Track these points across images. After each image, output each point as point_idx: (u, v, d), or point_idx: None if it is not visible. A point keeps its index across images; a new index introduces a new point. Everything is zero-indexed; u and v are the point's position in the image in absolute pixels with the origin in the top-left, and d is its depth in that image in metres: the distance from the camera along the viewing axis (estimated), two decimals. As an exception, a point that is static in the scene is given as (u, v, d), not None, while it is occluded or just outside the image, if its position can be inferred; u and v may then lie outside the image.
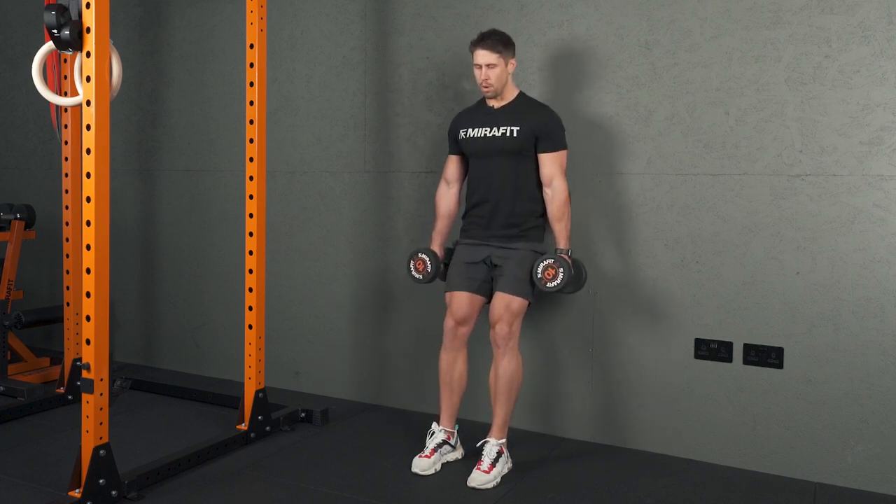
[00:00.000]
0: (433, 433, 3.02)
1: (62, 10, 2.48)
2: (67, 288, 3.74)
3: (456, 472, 2.93)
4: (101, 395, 2.53)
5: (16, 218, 4.14)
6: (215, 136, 4.21)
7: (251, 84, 3.18)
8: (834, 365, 2.86)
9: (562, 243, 2.91)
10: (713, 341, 3.06)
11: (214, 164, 4.22)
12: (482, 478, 2.80)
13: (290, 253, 4.01)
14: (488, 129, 2.94)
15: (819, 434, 2.89)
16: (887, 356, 2.78)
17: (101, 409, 2.53)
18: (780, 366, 2.94)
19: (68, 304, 3.75)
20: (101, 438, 2.53)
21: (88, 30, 2.46)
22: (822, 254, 2.87)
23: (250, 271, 3.22)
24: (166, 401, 3.85)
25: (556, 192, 2.90)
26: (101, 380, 2.53)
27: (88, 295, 2.50)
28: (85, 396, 2.52)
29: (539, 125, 2.89)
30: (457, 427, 3.08)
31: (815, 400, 2.89)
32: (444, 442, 3.01)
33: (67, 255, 3.72)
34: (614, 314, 3.24)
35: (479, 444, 2.94)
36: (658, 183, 3.13)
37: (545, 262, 2.84)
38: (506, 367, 2.89)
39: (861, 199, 2.80)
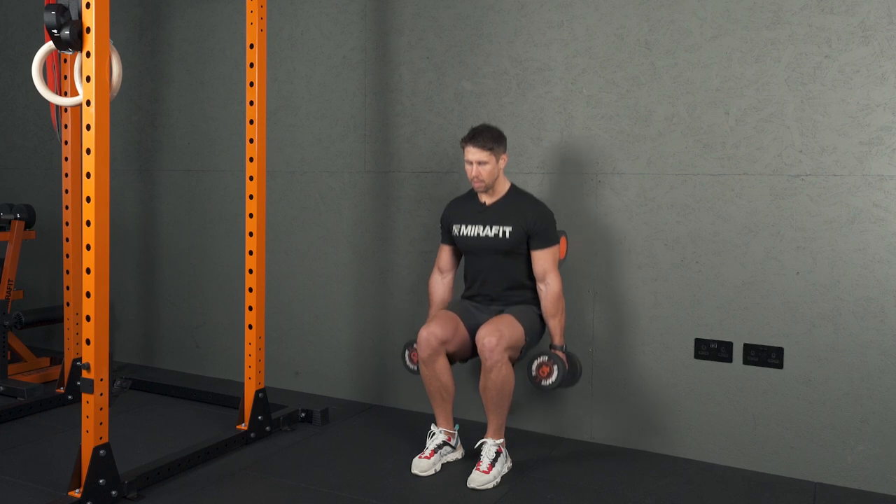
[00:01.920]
0: (433, 434, 3.02)
1: (62, 10, 2.48)
2: (67, 288, 3.74)
3: (456, 472, 2.93)
4: (101, 395, 2.53)
5: (16, 218, 4.14)
6: (215, 136, 4.21)
7: (251, 84, 3.18)
8: (834, 365, 2.86)
9: (556, 339, 2.94)
10: (713, 341, 3.06)
11: (214, 164, 4.22)
12: (482, 478, 2.80)
13: (290, 253, 4.01)
14: (481, 229, 2.98)
15: (819, 434, 2.89)
16: (887, 356, 2.78)
17: (101, 409, 2.53)
18: (780, 366, 2.94)
19: (68, 304, 3.75)
20: (101, 438, 2.53)
21: (88, 30, 2.46)
22: (822, 254, 2.87)
23: (250, 271, 3.22)
24: (166, 401, 3.85)
25: (549, 287, 2.93)
26: (101, 380, 2.53)
27: (88, 295, 2.50)
28: (85, 396, 2.52)
29: (530, 223, 2.93)
30: (457, 427, 3.08)
31: (815, 400, 2.89)
32: (445, 443, 3.01)
33: (67, 255, 3.72)
34: (614, 314, 3.24)
35: (476, 445, 2.94)
36: (658, 183, 3.13)
37: (540, 360, 2.88)
38: (494, 379, 2.79)
39: (861, 199, 2.80)
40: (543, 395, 3.39)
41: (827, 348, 2.87)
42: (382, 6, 3.70)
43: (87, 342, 2.51)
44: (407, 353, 3.14)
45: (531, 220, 2.93)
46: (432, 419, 3.10)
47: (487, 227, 2.97)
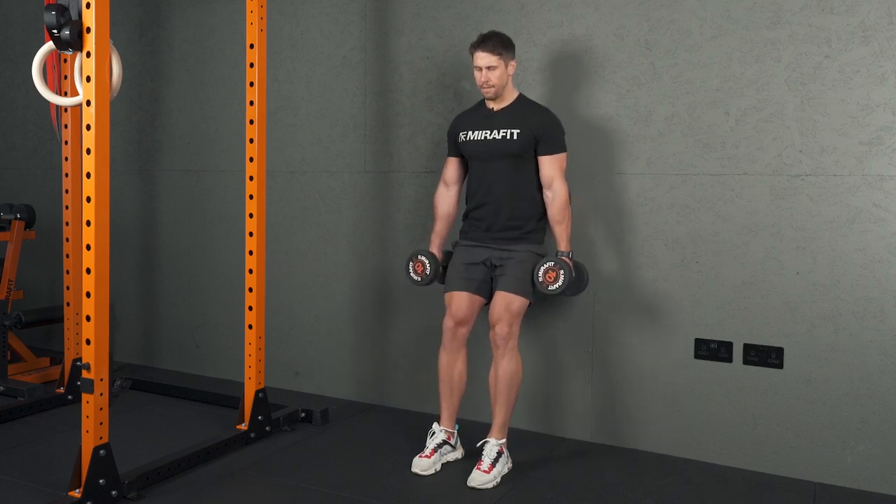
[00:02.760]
0: (433, 433, 3.02)
1: (62, 10, 2.48)
2: (67, 288, 3.74)
3: (456, 472, 2.93)
4: (101, 395, 2.53)
5: (16, 218, 4.14)
6: (215, 136, 4.21)
7: (251, 84, 3.18)
8: (834, 365, 2.86)
9: (562, 245, 2.91)
10: (713, 341, 3.06)
11: (214, 164, 4.22)
12: (482, 478, 2.80)
13: (290, 253, 4.01)
14: (488, 132, 2.94)
15: (819, 434, 2.89)
16: (887, 356, 2.78)
17: (101, 409, 2.53)
18: (780, 366, 2.94)
19: (68, 304, 3.75)
20: (101, 438, 2.53)
21: (88, 30, 2.46)
22: (822, 254, 2.87)
23: (250, 271, 3.22)
24: (166, 401, 3.85)
25: (556, 194, 2.90)
26: (101, 380, 2.53)
27: (88, 295, 2.50)
28: (85, 396, 2.52)
29: (539, 127, 2.89)
30: (457, 427, 3.08)
31: (815, 400, 2.89)
32: (445, 442, 3.01)
33: (67, 255, 3.72)
34: (614, 314, 3.24)
35: (479, 444, 2.94)
36: (658, 183, 3.13)
37: (546, 265, 2.84)
38: (505, 367, 2.88)
39: (861, 199, 2.80)
40: (544, 394, 3.39)
41: (827, 348, 2.87)
42: (382, 6, 3.70)
43: (87, 342, 2.51)
44: (411, 264, 3.11)
45: (540, 124, 2.90)
46: (432, 419, 3.10)
47: (495, 131, 2.93)
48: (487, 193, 2.96)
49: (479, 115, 3.01)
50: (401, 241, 3.71)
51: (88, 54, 2.47)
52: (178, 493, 2.72)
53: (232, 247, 4.08)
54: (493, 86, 2.89)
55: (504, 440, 2.92)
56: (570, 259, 2.90)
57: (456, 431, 3.07)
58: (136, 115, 4.46)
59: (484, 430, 2.98)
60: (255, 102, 3.17)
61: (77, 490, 2.53)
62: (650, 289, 3.16)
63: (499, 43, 2.88)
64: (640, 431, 3.21)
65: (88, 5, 2.45)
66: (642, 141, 3.15)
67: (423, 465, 2.92)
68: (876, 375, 2.80)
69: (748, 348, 3.00)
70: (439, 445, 2.99)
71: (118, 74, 2.71)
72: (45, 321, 4.25)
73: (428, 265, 3.07)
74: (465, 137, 3.00)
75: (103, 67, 2.49)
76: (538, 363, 3.39)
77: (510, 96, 2.97)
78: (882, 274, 2.78)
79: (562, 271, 2.81)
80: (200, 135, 4.26)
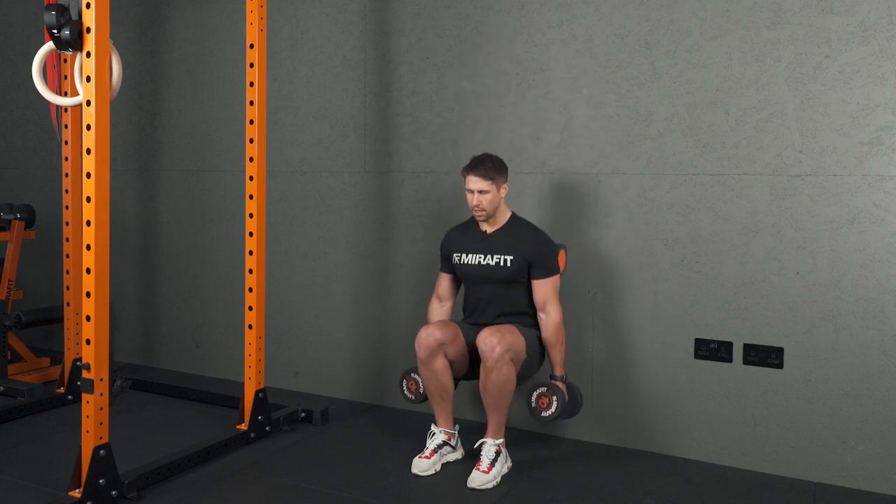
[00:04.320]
0: (433, 434, 3.02)
1: (62, 10, 2.48)
2: (67, 288, 3.74)
3: (456, 472, 2.93)
4: (101, 395, 2.53)
5: (16, 218, 4.14)
6: (215, 136, 4.21)
7: (251, 84, 3.18)
8: (834, 365, 2.86)
9: (557, 370, 2.93)
10: (713, 341, 3.06)
11: (214, 164, 4.22)
12: (482, 478, 2.80)
13: (290, 253, 4.01)
14: (482, 257, 2.97)
15: (819, 434, 2.89)
16: (887, 356, 2.78)
17: (101, 409, 2.53)
18: (780, 366, 2.94)
19: (68, 304, 3.75)
20: (101, 438, 2.53)
21: (88, 30, 2.46)
22: (822, 254, 2.87)
23: (250, 271, 3.22)
24: (166, 401, 3.85)
25: (550, 316, 2.93)
26: (101, 380, 2.53)
27: (88, 295, 2.50)
28: (85, 396, 2.52)
29: (532, 253, 2.93)
30: (457, 427, 3.08)
31: (815, 400, 2.89)
32: (445, 443, 3.00)
33: (67, 255, 3.72)
34: (614, 314, 3.24)
35: (476, 445, 2.94)
36: (658, 183, 3.13)
37: (539, 391, 2.86)
38: (494, 379, 2.78)
39: (861, 199, 2.80)
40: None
41: (827, 348, 2.87)
42: (382, 6, 3.70)
43: (87, 342, 2.51)
44: (405, 382, 3.13)
45: (532, 249, 2.93)
46: (432, 419, 3.10)
47: (489, 256, 2.96)
48: (483, 311, 3.02)
49: (473, 236, 3.03)
50: (401, 241, 3.71)
51: (88, 54, 2.47)
52: (178, 493, 2.72)
53: (232, 247, 4.08)
54: (485, 210, 2.92)
55: (501, 440, 2.91)
56: (564, 383, 2.91)
57: (456, 432, 3.07)
58: (136, 115, 4.46)
59: (484, 430, 2.97)
60: (255, 102, 3.17)
61: (77, 490, 2.53)
62: (650, 288, 3.16)
63: (491, 167, 2.89)
64: (640, 431, 3.21)
65: (88, 5, 2.45)
66: (642, 141, 3.15)
67: (423, 465, 2.92)
68: (876, 375, 2.80)
69: (748, 348, 3.00)
70: (439, 446, 2.98)
71: (118, 74, 2.71)
72: (45, 321, 4.25)
73: (420, 383, 3.06)
74: (459, 260, 3.04)
75: (103, 67, 2.49)
76: (538, 363, 3.38)
77: (503, 217, 3.00)
78: (882, 274, 2.78)
79: (555, 397, 2.84)
80: (200, 135, 4.26)
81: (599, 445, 3.27)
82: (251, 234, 3.21)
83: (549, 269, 2.95)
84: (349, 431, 3.42)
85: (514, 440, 3.16)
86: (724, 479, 2.93)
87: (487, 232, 3.00)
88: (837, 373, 2.86)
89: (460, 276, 3.09)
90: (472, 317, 3.07)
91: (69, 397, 3.73)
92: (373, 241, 3.79)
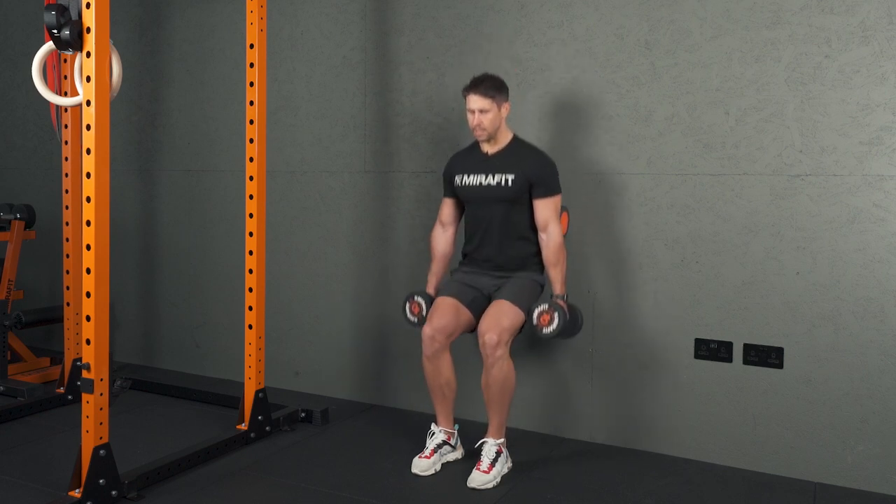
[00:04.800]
0: (433, 434, 3.02)
1: (62, 10, 2.48)
2: (67, 288, 3.74)
3: (456, 472, 2.93)
4: (101, 395, 2.53)
5: (16, 218, 4.14)
6: (215, 136, 4.21)
7: (251, 84, 3.18)
8: (834, 365, 2.86)
9: (557, 289, 2.91)
10: (713, 341, 3.06)
11: (214, 164, 4.22)
12: (482, 478, 2.80)
13: (290, 253, 4.01)
14: (483, 177, 2.95)
15: (819, 434, 2.89)
16: (887, 356, 2.78)
17: (101, 409, 2.53)
18: (780, 366, 2.94)
19: (68, 304, 3.75)
20: (101, 438, 2.53)
21: (88, 30, 2.46)
22: (822, 254, 2.87)
23: (250, 271, 3.22)
24: (166, 401, 3.85)
25: (551, 236, 2.91)
26: (101, 380, 2.53)
27: (88, 295, 2.50)
28: (85, 396, 2.52)
29: (533, 172, 2.90)
30: (457, 427, 3.08)
31: (815, 400, 2.89)
32: (445, 443, 3.01)
33: (67, 255, 3.72)
34: (614, 314, 3.24)
35: (477, 445, 2.94)
36: (658, 183, 3.13)
37: (540, 308, 2.84)
38: (495, 375, 2.80)
39: (861, 199, 2.80)
40: (543, 394, 3.39)
41: (827, 348, 2.87)
42: (382, 6, 3.70)
43: (87, 342, 2.51)
44: (407, 305, 3.10)
45: (534, 168, 2.91)
46: (432, 419, 3.10)
47: (490, 176, 2.94)
48: (485, 235, 2.99)
49: (474, 158, 3.01)
50: (401, 241, 3.71)
51: (88, 54, 2.47)
52: (178, 493, 2.72)
53: (232, 247, 4.08)
54: (486, 129, 2.90)
55: (502, 440, 2.92)
56: (566, 302, 2.90)
57: (456, 432, 3.07)
58: (136, 115, 4.46)
59: (484, 430, 2.97)
60: (255, 102, 3.17)
61: (77, 490, 2.53)
62: (650, 288, 3.16)
63: (491, 86, 2.87)
64: (640, 431, 3.21)
65: (88, 5, 2.45)
66: (642, 141, 3.15)
67: (423, 465, 2.92)
68: (876, 375, 2.80)
69: (748, 348, 3.00)
70: (439, 446, 2.98)
71: (118, 74, 2.71)
72: (45, 321, 4.25)
73: (424, 306, 3.04)
74: (461, 182, 3.01)
75: (103, 67, 2.49)
76: (538, 363, 3.39)
77: (504, 139, 2.98)
78: (882, 274, 2.78)
79: (556, 314, 2.81)
80: (200, 135, 4.26)
81: (599, 445, 3.27)
82: (251, 234, 3.21)
83: (551, 189, 2.92)
84: (349, 431, 3.42)
85: (515, 440, 3.15)
86: (724, 479, 2.93)
87: (489, 153, 2.98)
88: (837, 373, 2.86)
89: (462, 198, 3.05)
90: (472, 241, 3.03)
91: (69, 397, 3.73)
92: (373, 241, 3.79)
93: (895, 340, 2.77)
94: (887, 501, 2.74)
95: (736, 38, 2.97)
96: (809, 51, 2.85)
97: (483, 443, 2.91)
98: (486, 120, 2.88)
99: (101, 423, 2.53)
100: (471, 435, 3.10)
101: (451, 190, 3.08)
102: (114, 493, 2.58)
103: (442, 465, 2.98)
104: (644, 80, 3.13)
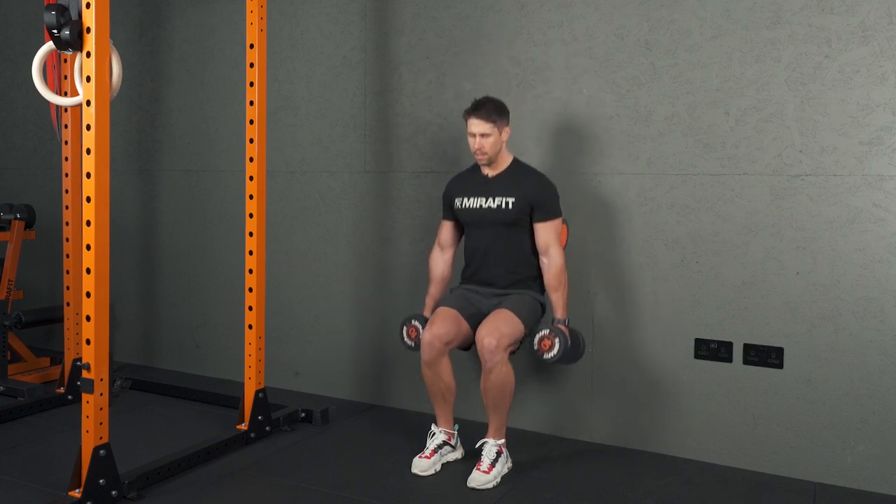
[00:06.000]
0: (433, 434, 3.02)
1: (62, 10, 2.48)
2: (67, 288, 3.74)
3: (456, 472, 2.93)
4: (101, 395, 2.53)
5: (16, 218, 4.14)
6: (215, 136, 4.21)
7: (251, 84, 3.18)
8: (834, 365, 2.86)
9: (559, 313, 2.91)
10: (713, 341, 3.06)
11: (214, 164, 4.22)
12: (482, 478, 2.80)
13: (290, 253, 4.01)
14: (483, 200, 2.96)
15: (819, 434, 2.89)
16: (887, 356, 2.78)
17: (101, 409, 2.53)
18: (780, 366, 2.94)
19: (68, 304, 3.75)
20: (101, 438, 2.53)
21: (88, 30, 2.46)
22: (822, 254, 2.87)
23: (250, 271, 3.22)
24: (166, 401, 3.85)
25: (552, 260, 2.91)
26: (101, 380, 2.53)
27: (88, 295, 2.50)
28: (85, 396, 2.52)
29: (534, 195, 2.91)
30: (457, 427, 3.08)
31: (815, 400, 2.89)
32: (445, 443, 3.01)
33: (67, 255, 3.72)
34: (614, 314, 3.24)
35: (477, 445, 2.94)
36: (658, 183, 3.13)
37: (542, 333, 2.84)
38: (494, 380, 2.80)
39: (861, 199, 2.80)
40: (543, 394, 3.39)
41: (827, 348, 2.87)
42: (382, 6, 3.70)
43: (87, 342, 2.51)
44: (405, 329, 3.10)
45: (534, 191, 2.91)
46: (432, 419, 3.10)
47: (490, 199, 2.94)
48: (485, 258, 2.99)
49: (474, 180, 3.01)
50: (401, 241, 3.71)
51: (88, 54, 2.47)
52: (178, 493, 2.72)
53: (232, 247, 4.08)
54: (487, 153, 2.90)
55: (503, 440, 2.92)
56: (567, 327, 2.89)
57: (456, 432, 3.07)
58: (136, 115, 4.46)
59: (484, 430, 2.97)
60: (255, 102, 3.17)
61: (77, 490, 2.53)
62: (650, 289, 3.16)
63: (493, 109, 2.88)
64: (641, 431, 3.21)
65: (88, 5, 2.45)
66: (642, 141, 3.15)
67: (423, 465, 2.92)
68: (876, 375, 2.80)
69: (748, 348, 3.00)
70: (439, 446, 2.99)
71: (118, 74, 2.71)
72: (45, 321, 4.25)
73: (421, 330, 3.04)
74: (461, 204, 3.01)
75: (103, 67, 2.49)
76: (538, 363, 3.38)
77: (504, 162, 2.98)
78: (882, 274, 2.78)
79: (557, 339, 2.81)
80: (200, 135, 4.26)
81: (599, 445, 3.27)
82: (251, 234, 3.21)
83: (551, 212, 2.93)
84: (349, 431, 3.42)
85: (515, 440, 3.15)
86: (724, 479, 2.93)
87: (489, 176, 2.98)
88: (837, 373, 2.86)
89: (462, 220, 3.05)
90: (472, 264, 3.03)
91: (69, 397, 3.73)
92: (373, 241, 3.79)
93: (895, 340, 2.77)
94: (887, 501, 2.74)
95: (736, 38, 2.97)
96: (809, 51, 2.85)
97: (483, 443, 2.91)
98: (488, 144, 2.89)
99: (101, 423, 2.53)
100: (471, 435, 3.10)
101: (451, 213, 3.09)
102: (114, 493, 2.58)
103: (442, 465, 2.98)
104: (644, 80, 3.13)
